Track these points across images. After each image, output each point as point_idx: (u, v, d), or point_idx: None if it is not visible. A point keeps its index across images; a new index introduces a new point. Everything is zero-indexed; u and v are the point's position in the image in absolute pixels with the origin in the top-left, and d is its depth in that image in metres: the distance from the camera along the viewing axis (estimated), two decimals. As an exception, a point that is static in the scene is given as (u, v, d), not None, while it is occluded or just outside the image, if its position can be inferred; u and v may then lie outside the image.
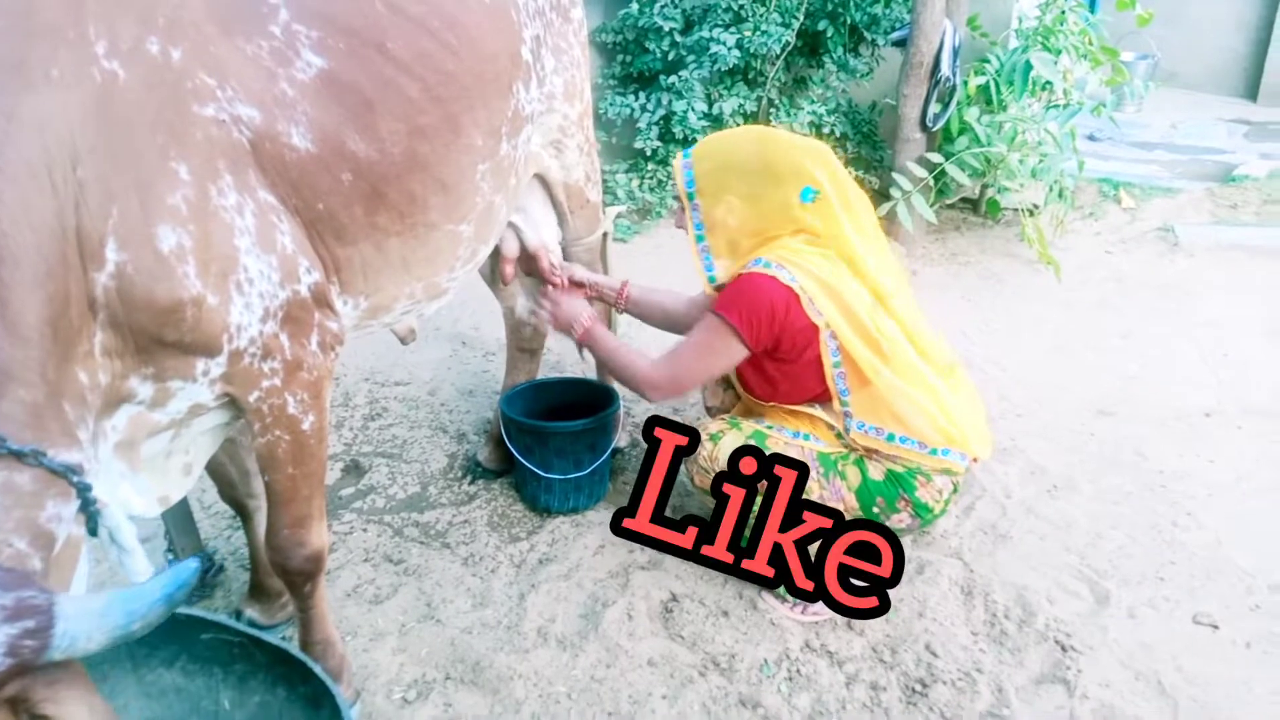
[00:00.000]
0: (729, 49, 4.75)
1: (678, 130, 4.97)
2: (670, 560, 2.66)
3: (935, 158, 4.59)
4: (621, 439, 3.10)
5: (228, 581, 2.65)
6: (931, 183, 4.64)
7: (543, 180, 2.67)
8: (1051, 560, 2.66)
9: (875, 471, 2.32)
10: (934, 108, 4.58)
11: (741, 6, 4.86)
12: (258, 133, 1.77)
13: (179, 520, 2.51)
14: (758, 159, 2.32)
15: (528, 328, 3.02)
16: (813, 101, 5.05)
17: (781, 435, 2.38)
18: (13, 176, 1.43)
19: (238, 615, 2.47)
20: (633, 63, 5.34)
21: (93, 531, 1.58)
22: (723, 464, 2.34)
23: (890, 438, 2.28)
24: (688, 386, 2.44)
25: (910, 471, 2.30)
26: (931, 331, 2.45)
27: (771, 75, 5.13)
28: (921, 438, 2.27)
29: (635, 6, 5.07)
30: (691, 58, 4.98)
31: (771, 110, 5.16)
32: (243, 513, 2.43)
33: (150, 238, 1.62)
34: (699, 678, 2.28)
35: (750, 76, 5.21)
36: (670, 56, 5.07)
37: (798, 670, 2.29)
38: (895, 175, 4.66)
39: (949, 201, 5.07)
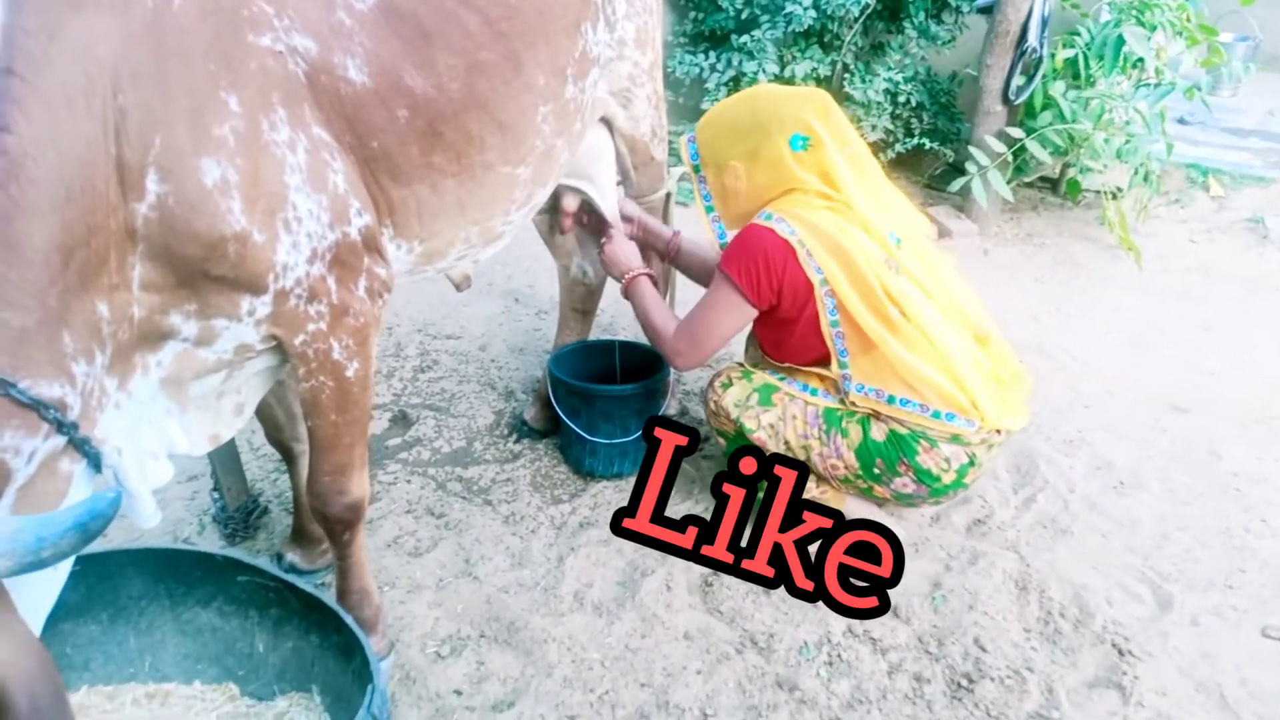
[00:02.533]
0: (805, 9, 4.58)
1: (747, 92, 4.82)
2: (714, 533, 2.60)
3: (1016, 133, 4.40)
4: (671, 406, 3.03)
5: (271, 524, 2.66)
6: (1010, 159, 4.44)
7: (609, 129, 2.59)
8: (1113, 560, 2.54)
9: (877, 431, 2.23)
10: (1017, 80, 4.38)
11: (823, -34, 4.68)
12: (313, 65, 1.71)
13: (226, 461, 2.51)
14: (749, 116, 2.25)
15: (581, 287, 2.95)
16: (890, 68, 4.85)
17: (791, 387, 2.31)
18: (46, 97, 1.39)
19: (279, 559, 2.48)
20: (705, 20, 5.19)
21: (96, 468, 1.55)
22: (729, 413, 2.28)
23: (891, 399, 2.20)
24: (708, 350, 2.37)
25: (914, 434, 2.20)
26: (961, 291, 2.34)
27: (848, 39, 4.95)
28: (924, 400, 2.16)
29: (710, -39, 4.92)
30: (765, 17, 4.82)
31: (846, 76, 4.99)
32: (288, 456, 2.42)
33: (194, 169, 1.58)
34: (735, 655, 2.22)
35: (826, 39, 5.03)
36: (744, 15, 4.91)
37: (839, 655, 2.22)
38: (972, 149, 4.47)
39: (1027, 180, 4.87)
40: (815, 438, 2.27)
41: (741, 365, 2.42)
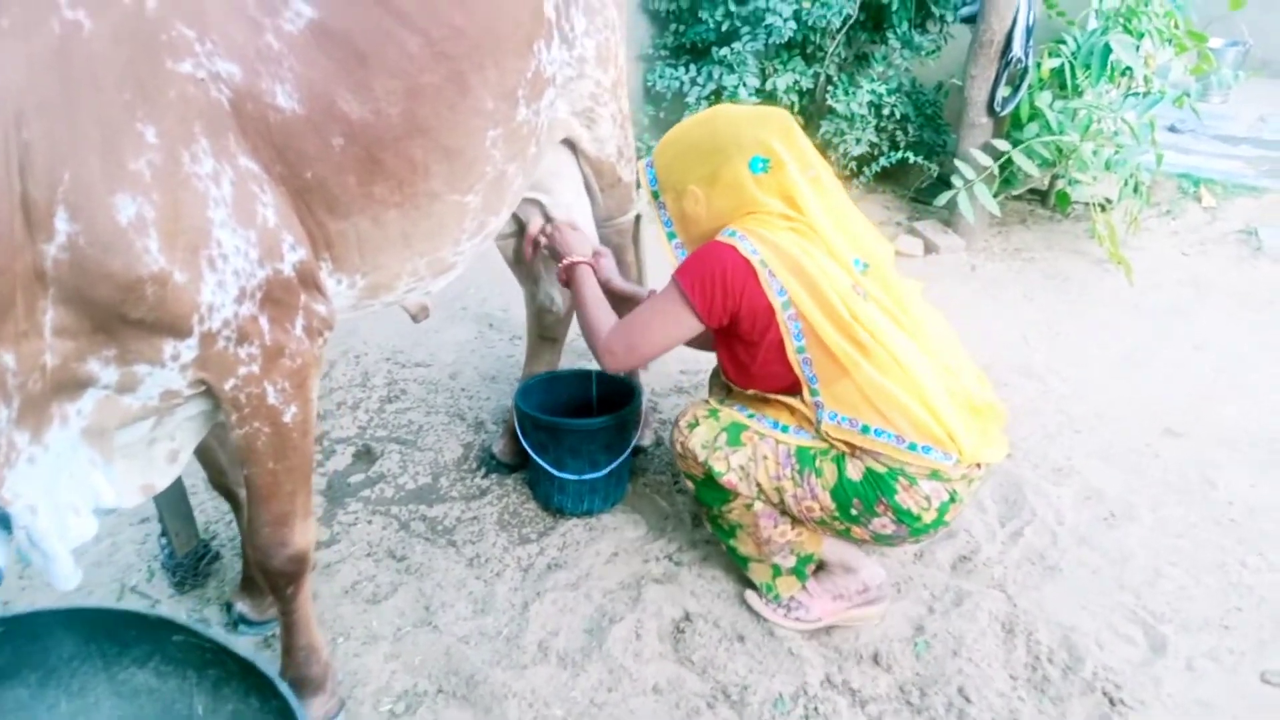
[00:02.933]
0: (785, 20, 4.49)
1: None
2: (686, 574, 2.49)
3: (1002, 145, 4.30)
4: (645, 437, 2.92)
5: (224, 570, 2.53)
6: (996, 172, 4.35)
7: (572, 151, 2.48)
8: (1103, 598, 2.43)
9: (853, 470, 2.11)
10: (1003, 91, 4.29)
11: (804, -24, 4.58)
12: (238, 91, 1.60)
13: (173, 504, 2.39)
14: (708, 139, 2.15)
15: (549, 315, 2.84)
16: (873, 80, 4.76)
17: (760, 425, 2.19)
18: None
19: (228, 608, 2.36)
20: (685, 32, 5.09)
21: (5, 529, 1.44)
22: (696, 455, 2.21)
23: (865, 429, 2.08)
24: (642, 356, 2.26)
25: (891, 472, 2.08)
26: (930, 319, 2.23)
27: (831, 50, 4.85)
28: (899, 431, 2.05)
29: (690, -28, 4.82)
30: (746, 29, 4.72)
31: (830, 88, 4.89)
32: (233, 501, 2.30)
33: (107, 206, 1.46)
34: (706, 709, 2.11)
35: (809, 51, 4.94)
36: (724, 27, 4.81)
37: (815, 708, 2.10)
38: (958, 162, 4.37)
39: (1015, 193, 4.77)
40: (788, 479, 2.16)
41: (708, 403, 2.30)
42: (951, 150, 4.73)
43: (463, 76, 1.88)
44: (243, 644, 2.13)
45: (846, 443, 2.12)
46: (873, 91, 4.71)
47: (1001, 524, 2.72)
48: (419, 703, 2.14)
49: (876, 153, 4.96)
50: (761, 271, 2.05)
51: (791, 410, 2.20)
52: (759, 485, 2.20)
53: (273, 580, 1.97)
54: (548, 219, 2.52)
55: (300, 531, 1.94)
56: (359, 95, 1.74)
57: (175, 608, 2.38)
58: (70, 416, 1.65)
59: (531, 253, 2.59)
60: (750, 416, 2.23)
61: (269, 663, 1.85)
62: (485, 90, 1.93)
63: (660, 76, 4.95)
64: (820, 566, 2.39)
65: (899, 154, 4.83)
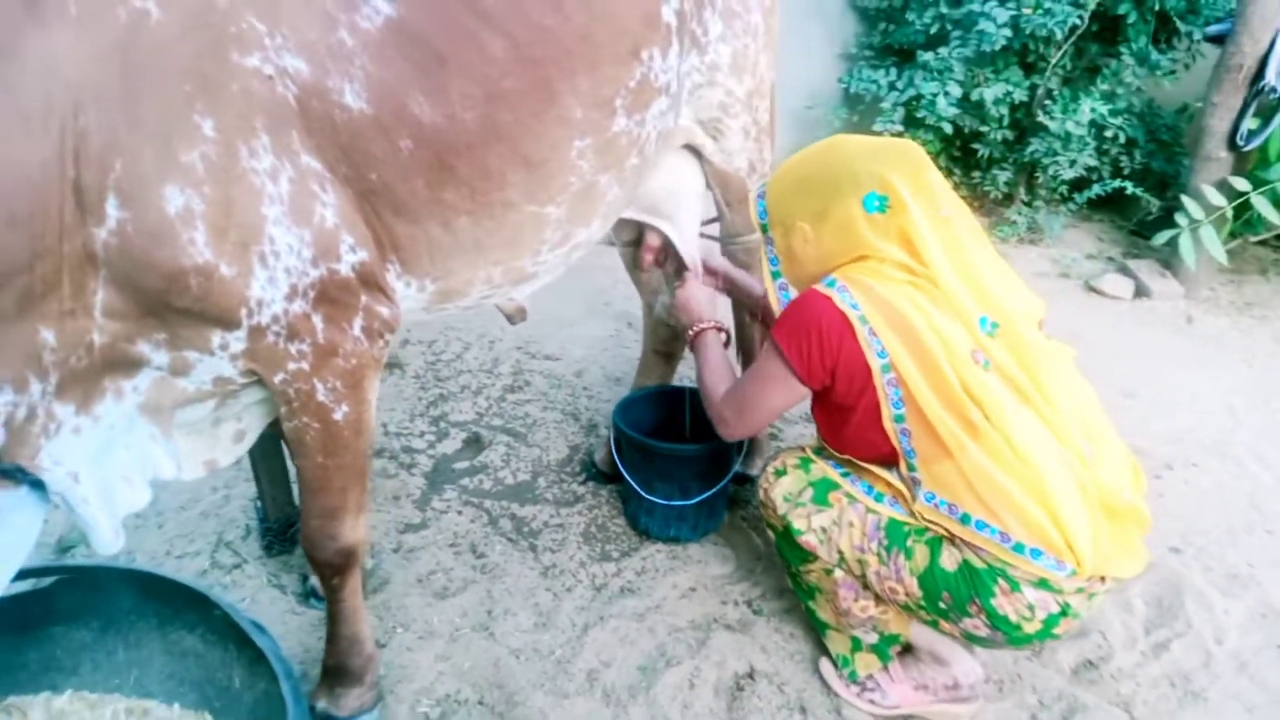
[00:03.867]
0: (998, 26, 4.07)
1: (925, 116, 4.37)
2: (763, 626, 2.30)
3: (1241, 184, 3.73)
4: (754, 465, 2.74)
5: (315, 538, 2.59)
6: (1231, 214, 3.78)
7: (698, 160, 2.33)
8: (1254, 748, 2.03)
9: (948, 559, 1.83)
10: (1249, 123, 3.70)
11: (1028, -22, 4.15)
12: (305, 88, 1.57)
13: (271, 469, 2.47)
14: (822, 170, 1.91)
15: (665, 329, 2.71)
16: (1097, 97, 4.25)
17: (854, 487, 1.96)
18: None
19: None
20: (893, 33, 4.77)
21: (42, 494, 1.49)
22: (776, 507, 2.03)
23: (965, 519, 1.79)
24: (754, 423, 2.07)
25: (991, 570, 1.79)
26: (1075, 394, 1.90)
27: (1055, 61, 4.38)
28: (1005, 527, 1.75)
29: (903, -32, 4.49)
30: (957, 33, 4.35)
31: (1047, 103, 4.42)
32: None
33: (156, 197, 1.47)
34: (742, 784, 1.93)
35: (1029, 61, 4.48)
36: (933, 30, 4.46)
37: (863, 809, 1.88)
38: (1186, 199, 3.84)
39: (1255, 239, 4.14)
40: (874, 553, 1.92)
41: (804, 450, 2.09)
42: (1183, 184, 4.15)
43: (549, 83, 1.78)
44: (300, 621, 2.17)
45: (942, 528, 1.87)
46: (1095, 110, 4.21)
47: (1146, 631, 2.33)
48: (455, 711, 2.09)
49: (1093, 178, 4.45)
50: (860, 329, 1.82)
51: (888, 483, 1.96)
52: (840, 553, 1.98)
53: (320, 570, 1.97)
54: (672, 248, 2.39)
55: (350, 527, 1.92)
56: (433, 98, 1.67)
57: (258, 569, 2.45)
58: (126, 392, 1.69)
59: (649, 262, 2.46)
60: (844, 475, 2.00)
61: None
62: (574, 99, 1.81)
63: (858, 78, 4.66)
64: (907, 649, 2.14)
65: (1118, 182, 4.30)
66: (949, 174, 4.92)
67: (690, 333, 2.27)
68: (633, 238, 2.55)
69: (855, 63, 4.89)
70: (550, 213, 1.89)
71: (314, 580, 2.38)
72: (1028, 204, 4.65)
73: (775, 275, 2.03)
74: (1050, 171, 4.39)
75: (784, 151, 2.24)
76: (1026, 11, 4.08)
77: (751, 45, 2.18)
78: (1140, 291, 4.15)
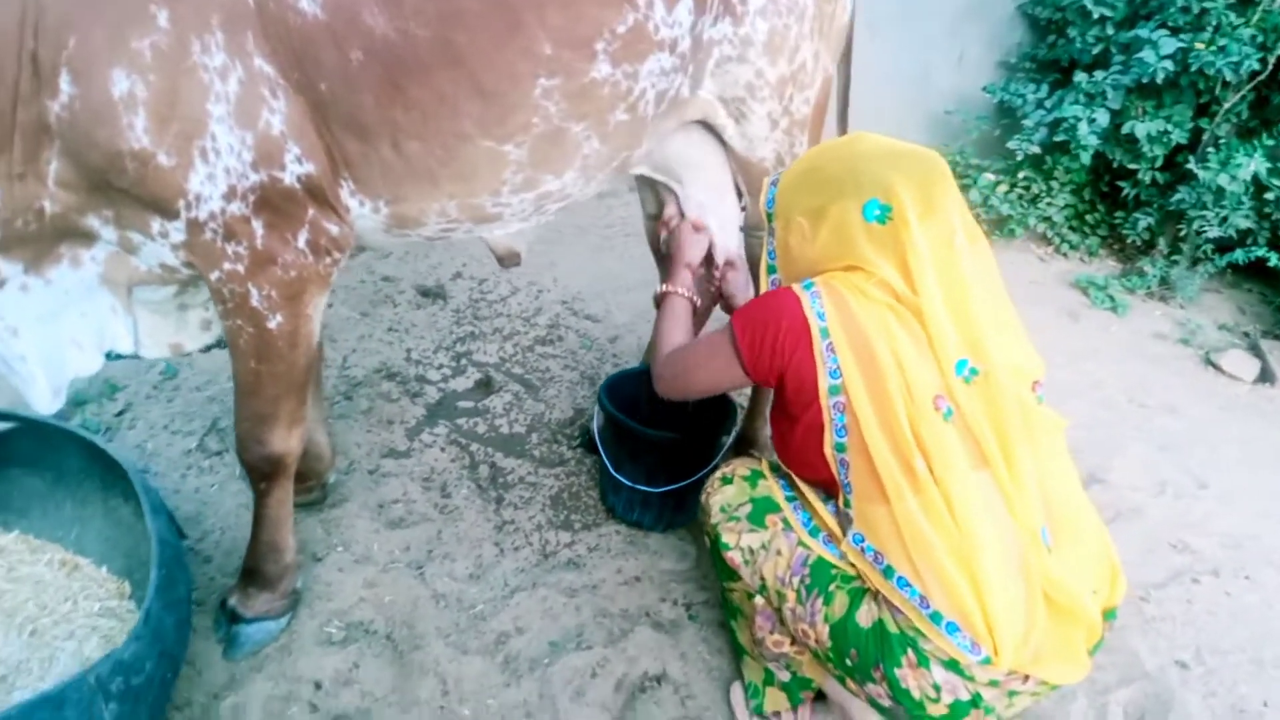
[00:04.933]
0: (1160, 57, 3.66)
1: (1067, 140, 4.01)
2: (693, 633, 2.21)
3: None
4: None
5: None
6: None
7: (721, 143, 2.20)
8: None
9: (865, 615, 1.66)
10: None
11: (1208, 10, 3.69)
12: None
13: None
14: (833, 164, 1.74)
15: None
16: (1264, 154, 3.74)
17: (794, 515, 1.82)
18: None
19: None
20: (1057, 46, 4.38)
21: None
22: (710, 514, 1.92)
23: (888, 572, 1.62)
24: (689, 391, 1.97)
25: (904, 637, 1.61)
26: (1051, 468, 1.69)
27: (1230, 105, 3.90)
28: (925, 591, 1.58)
29: (1076, -21, 4.09)
30: (1120, 58, 3.94)
31: (1210, 150, 3.95)
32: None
33: (103, 78, 1.50)
34: (600, 788, 1.85)
35: (1203, 101, 4.01)
36: (1095, 50, 4.06)
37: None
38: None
39: None
40: (794, 588, 1.77)
41: (758, 463, 1.95)
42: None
43: (514, 11, 1.69)
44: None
45: (867, 576, 1.71)
46: (1261, 167, 3.73)
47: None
48: (359, 639, 2.10)
49: (1248, 241, 3.97)
50: (819, 341, 1.66)
51: (825, 517, 1.80)
52: (763, 579, 1.84)
53: (248, 473, 2.00)
54: (682, 211, 2.28)
55: (280, 437, 1.94)
56: (387, 10, 1.62)
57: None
58: (85, 261, 1.76)
59: (665, 236, 2.36)
60: (789, 500, 1.85)
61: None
62: (543, 32, 1.72)
63: (1006, 90, 4.31)
64: (821, 697, 1.99)
65: (1265, 251, 3.83)
66: (1091, 209, 4.52)
67: (660, 288, 2.19)
68: (654, 212, 2.44)
69: (1014, 73, 4.53)
70: (509, 151, 1.81)
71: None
72: (1166, 257, 4.21)
73: (771, 269, 1.89)
74: (1195, 226, 3.94)
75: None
76: (1199, 47, 3.64)
77: (795, 27, 2.01)
78: (1265, 376, 3.69)
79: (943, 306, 1.66)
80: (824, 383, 1.67)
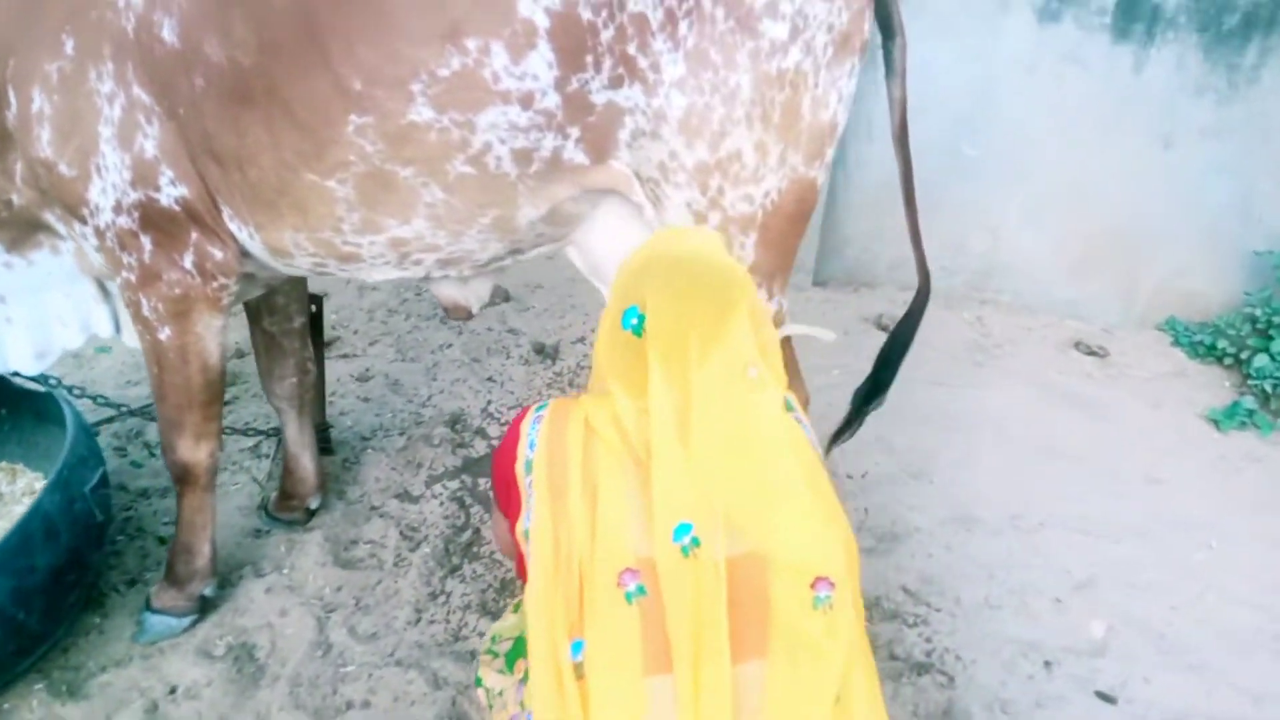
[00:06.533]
0: None
1: None
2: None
3: None
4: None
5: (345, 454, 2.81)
6: None
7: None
8: None
9: None
10: None
11: None
12: (139, 21, 1.71)
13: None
14: (632, 260, 1.43)
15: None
16: None
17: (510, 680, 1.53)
18: None
19: (265, 500, 2.63)
20: None
21: None
22: (483, 641, 1.72)
23: None
24: (505, 550, 1.67)
25: None
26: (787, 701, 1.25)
27: None
28: None
29: None
30: None
31: None
32: (280, 414, 2.51)
33: (25, 95, 1.76)
34: None
35: None
36: None
37: None
38: None
39: None
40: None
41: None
42: None
43: (322, 44, 1.63)
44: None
45: None
46: None
47: None
48: (230, 660, 2.15)
49: None
50: (521, 477, 1.40)
51: None
52: (496, 729, 1.59)
53: (169, 471, 2.14)
54: None
55: (186, 447, 2.07)
56: (222, 39, 1.66)
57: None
58: (62, 251, 2.07)
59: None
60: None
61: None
62: (351, 69, 1.63)
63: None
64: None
65: None
66: None
67: None
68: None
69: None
70: (334, 188, 1.75)
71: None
72: None
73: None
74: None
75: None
76: None
77: (719, 109, 1.68)
78: None
79: (678, 452, 1.31)
80: (520, 523, 1.40)
